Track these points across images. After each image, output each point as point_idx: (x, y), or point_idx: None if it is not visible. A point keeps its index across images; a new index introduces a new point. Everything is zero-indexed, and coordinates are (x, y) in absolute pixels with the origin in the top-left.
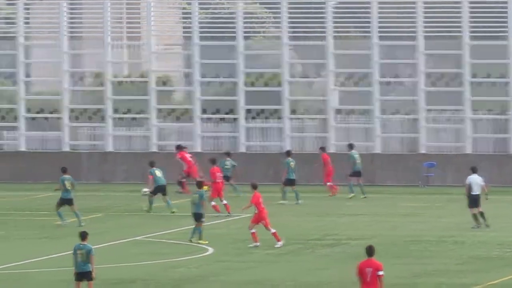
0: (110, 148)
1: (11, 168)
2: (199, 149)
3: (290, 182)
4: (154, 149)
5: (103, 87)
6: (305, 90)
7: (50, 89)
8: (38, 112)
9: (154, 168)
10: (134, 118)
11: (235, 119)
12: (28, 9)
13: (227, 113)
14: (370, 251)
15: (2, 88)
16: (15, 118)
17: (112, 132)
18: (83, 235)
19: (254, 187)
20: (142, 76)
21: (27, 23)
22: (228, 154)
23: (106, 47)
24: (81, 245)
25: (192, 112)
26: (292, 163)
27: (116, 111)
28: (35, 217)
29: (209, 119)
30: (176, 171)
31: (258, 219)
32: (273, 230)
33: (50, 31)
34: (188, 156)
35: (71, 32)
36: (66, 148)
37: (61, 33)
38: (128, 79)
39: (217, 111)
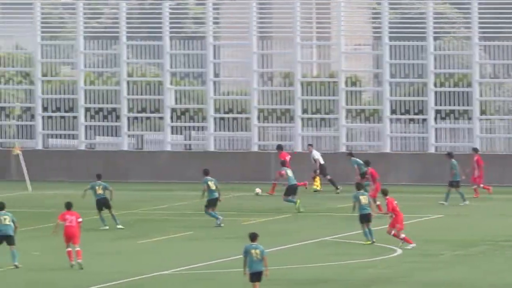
0: (299, 148)
1: (200, 168)
2: (387, 150)
3: (456, 184)
4: (343, 149)
5: (292, 87)
6: (495, 91)
7: (239, 89)
8: (226, 112)
9: (286, 168)
10: (323, 119)
11: (424, 119)
12: (217, 9)
13: (416, 114)
14: None
15: (191, 88)
16: (204, 118)
17: (301, 132)
18: (254, 236)
19: (385, 193)
20: (331, 76)
21: (216, 23)
22: (351, 154)
23: (295, 47)
24: (253, 245)
25: (381, 112)
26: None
27: (305, 111)
28: (224, 217)
29: (398, 119)
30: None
31: (396, 223)
32: (402, 236)
33: (240, 30)
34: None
35: (261, 32)
36: (255, 148)
37: (251, 33)
38: (317, 79)
39: (406, 112)
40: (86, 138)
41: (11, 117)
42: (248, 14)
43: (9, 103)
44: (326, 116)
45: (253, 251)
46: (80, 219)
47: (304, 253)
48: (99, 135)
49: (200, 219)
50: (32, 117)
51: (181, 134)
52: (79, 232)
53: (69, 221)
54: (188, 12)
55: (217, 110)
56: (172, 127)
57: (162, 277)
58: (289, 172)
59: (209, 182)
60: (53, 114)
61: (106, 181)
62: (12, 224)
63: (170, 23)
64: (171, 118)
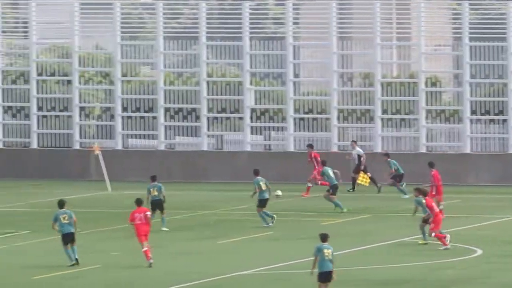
0: (378, 148)
1: (279, 169)
2: (468, 150)
3: None
4: (423, 150)
5: (372, 87)
6: None
7: (319, 89)
8: (306, 113)
9: (327, 167)
10: (403, 119)
11: (504, 120)
12: (297, 9)
13: (496, 114)
14: None
15: (271, 88)
16: (283, 119)
17: (381, 132)
18: (324, 237)
19: (425, 194)
20: (411, 77)
21: (296, 23)
22: (387, 155)
23: (375, 48)
24: (325, 245)
25: (462, 113)
26: None
27: (384, 111)
28: (300, 217)
29: (478, 120)
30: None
31: (436, 222)
32: (433, 235)
33: (319, 31)
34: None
35: (340, 32)
36: (335, 149)
37: (331, 33)
38: (397, 80)
39: (487, 112)
40: (165, 138)
41: (91, 117)
42: (328, 14)
43: (89, 103)
44: (406, 117)
45: (325, 250)
46: (148, 213)
47: (384, 254)
48: (178, 135)
49: (280, 219)
50: (112, 117)
51: (260, 134)
52: (149, 228)
53: (139, 218)
54: (268, 12)
55: (296, 111)
56: (251, 127)
57: (242, 277)
58: (330, 172)
59: (261, 183)
60: (133, 114)
61: (163, 181)
62: (71, 221)
63: (250, 23)
64: (251, 118)
